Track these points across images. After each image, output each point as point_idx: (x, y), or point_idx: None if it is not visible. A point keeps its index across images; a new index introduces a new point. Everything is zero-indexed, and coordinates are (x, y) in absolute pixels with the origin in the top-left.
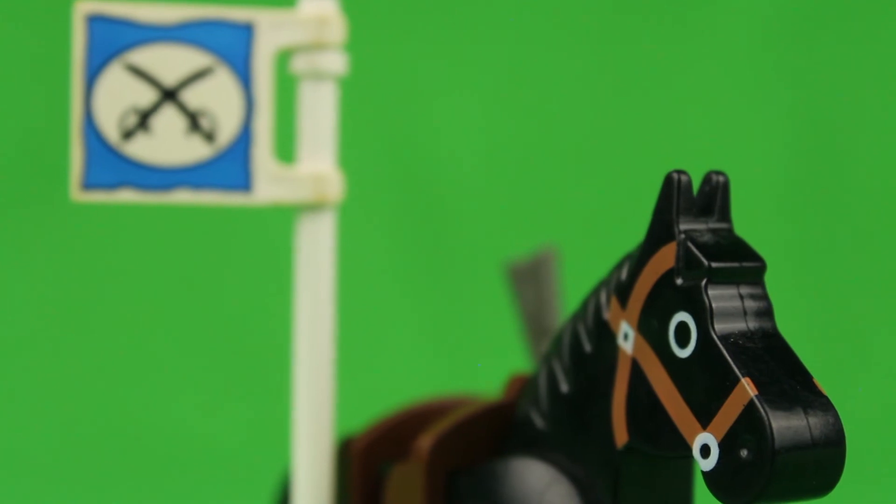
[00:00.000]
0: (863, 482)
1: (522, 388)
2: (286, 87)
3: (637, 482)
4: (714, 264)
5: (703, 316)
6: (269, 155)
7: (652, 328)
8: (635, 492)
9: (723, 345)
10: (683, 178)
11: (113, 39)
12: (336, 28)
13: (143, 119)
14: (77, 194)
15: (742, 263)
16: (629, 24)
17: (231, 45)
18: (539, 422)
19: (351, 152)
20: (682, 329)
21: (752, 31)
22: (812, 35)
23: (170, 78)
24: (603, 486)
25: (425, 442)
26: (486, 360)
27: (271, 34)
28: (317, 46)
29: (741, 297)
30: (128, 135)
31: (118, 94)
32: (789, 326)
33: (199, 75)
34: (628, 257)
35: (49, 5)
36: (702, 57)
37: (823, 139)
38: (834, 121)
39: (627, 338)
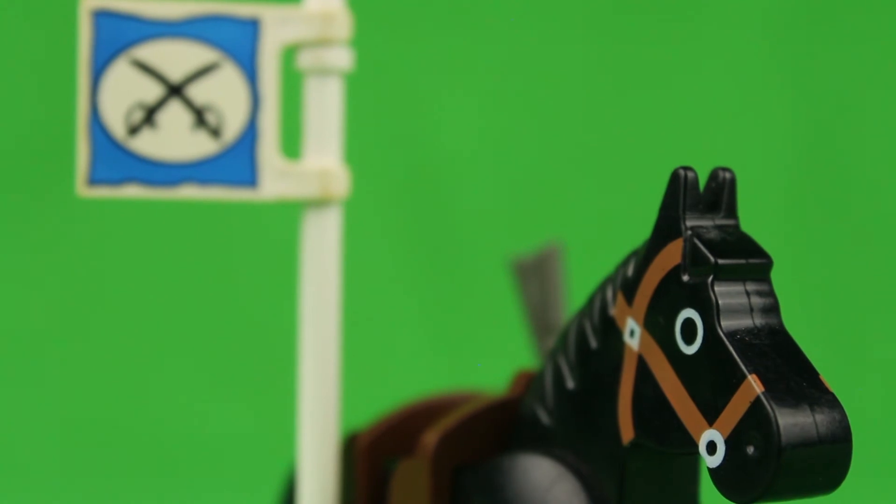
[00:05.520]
0: (867, 479)
1: (528, 384)
2: (292, 83)
3: (643, 478)
4: (721, 261)
5: (710, 312)
6: (275, 151)
7: (658, 325)
8: (641, 488)
9: (729, 341)
10: (690, 174)
11: (119, 35)
12: (342, 24)
13: (149, 114)
14: (83, 190)
15: (748, 260)
16: (633, 20)
17: (237, 41)
18: (545, 418)
19: (357, 148)
20: (689, 325)
21: (756, 28)
22: (816, 31)
23: (176, 73)
24: (609, 483)
25: (431, 438)
26: (491, 357)
27: (277, 30)
28: (323, 42)
29: (748, 293)
30: (134, 130)
31: (124, 90)
32: (795, 323)
33: (205, 71)
34: (634, 254)
35: (55, 0)
36: (707, 53)
37: (828, 136)
38: (839, 117)
39: (633, 334)
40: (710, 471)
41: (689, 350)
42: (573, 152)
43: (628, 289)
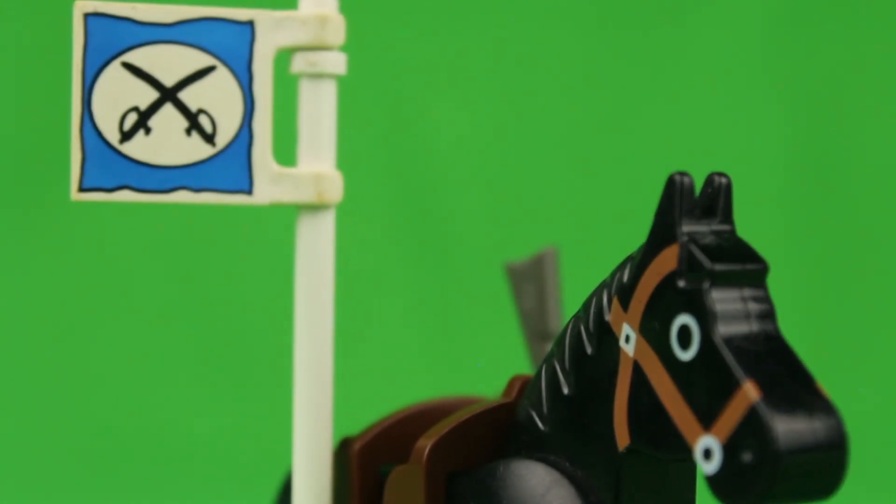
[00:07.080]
0: (863, 485)
1: (523, 389)
2: (286, 87)
3: (639, 485)
4: (716, 267)
5: (706, 318)
6: (268, 155)
7: (654, 330)
8: (637, 494)
9: (725, 347)
10: (686, 179)
11: (112, 39)
12: (336, 28)
13: (143, 119)
14: (76, 195)
15: (745, 266)
16: (629, 24)
17: (231, 45)
18: (540, 424)
19: (351, 153)
20: (685, 331)
21: (752, 31)
22: (810, 35)
23: (169, 78)
24: (604, 489)
25: (425, 443)
26: (486, 361)
27: (271, 34)
28: (317, 46)
29: (744, 299)
30: (127, 135)
31: (117, 94)
32: (791, 329)
33: (198, 75)
34: (630, 259)
35: (48, 4)
36: (702, 57)
37: (824, 140)
38: (834, 121)
39: (629, 340)
40: (707, 477)
41: (685, 356)
42: (568, 157)
43: (624, 294)
